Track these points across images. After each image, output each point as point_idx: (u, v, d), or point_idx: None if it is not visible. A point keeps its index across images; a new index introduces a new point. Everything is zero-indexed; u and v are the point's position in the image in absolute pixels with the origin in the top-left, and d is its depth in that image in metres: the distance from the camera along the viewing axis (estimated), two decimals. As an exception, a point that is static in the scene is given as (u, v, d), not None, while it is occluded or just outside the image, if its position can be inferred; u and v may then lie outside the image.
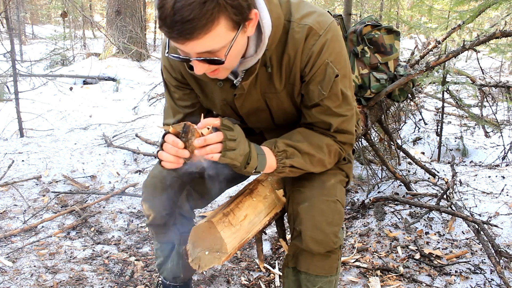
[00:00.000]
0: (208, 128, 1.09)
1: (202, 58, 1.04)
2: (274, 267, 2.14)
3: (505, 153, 3.52)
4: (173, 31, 0.96)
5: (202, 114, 1.14)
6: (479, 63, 3.05)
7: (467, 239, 2.30)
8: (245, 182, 1.67)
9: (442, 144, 3.70)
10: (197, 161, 1.10)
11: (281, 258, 2.23)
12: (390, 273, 2.04)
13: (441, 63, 2.48)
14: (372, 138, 2.83)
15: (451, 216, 2.43)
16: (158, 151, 1.12)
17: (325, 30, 1.17)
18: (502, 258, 1.97)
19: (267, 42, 1.15)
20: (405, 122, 3.76)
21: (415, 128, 4.21)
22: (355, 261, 2.15)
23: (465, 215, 2.18)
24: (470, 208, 2.57)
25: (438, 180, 2.98)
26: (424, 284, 1.96)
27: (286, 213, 1.47)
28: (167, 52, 1.10)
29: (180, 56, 1.07)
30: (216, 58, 1.04)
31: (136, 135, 4.03)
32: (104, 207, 2.78)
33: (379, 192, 2.92)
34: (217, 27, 0.97)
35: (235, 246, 1.33)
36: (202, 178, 1.51)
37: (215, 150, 1.08)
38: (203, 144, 1.07)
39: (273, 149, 1.23)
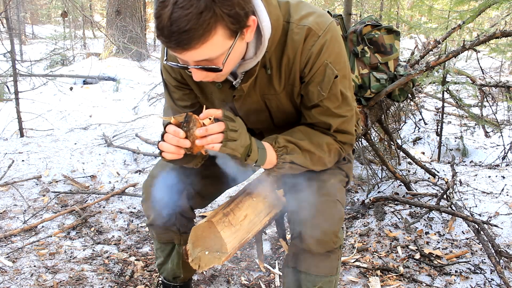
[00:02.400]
0: (210, 119, 1.09)
1: (200, 67, 1.04)
2: (274, 267, 2.14)
3: (505, 153, 3.52)
4: (171, 41, 0.96)
5: (204, 106, 1.14)
6: (479, 63, 3.05)
7: (467, 239, 2.30)
8: (245, 182, 1.67)
9: (442, 144, 3.69)
10: (197, 152, 1.10)
11: (281, 258, 2.23)
12: (390, 273, 2.05)
13: (441, 63, 2.48)
14: (372, 138, 2.83)
15: (451, 216, 2.43)
16: (159, 142, 1.12)
17: (324, 31, 1.17)
18: (502, 258, 1.97)
19: (267, 44, 1.15)
20: (405, 122, 3.76)
21: (415, 128, 4.21)
22: (355, 261, 2.15)
23: (465, 215, 2.18)
24: (470, 208, 2.57)
25: (438, 180, 2.98)
26: (424, 284, 1.96)
27: (286, 213, 1.47)
28: (165, 60, 1.11)
29: (178, 64, 1.08)
30: (214, 66, 1.04)
31: (136, 135, 4.03)
32: (104, 207, 2.78)
33: (379, 192, 2.92)
34: (214, 36, 0.97)
35: (235, 246, 1.33)
36: (202, 178, 1.51)
37: (216, 140, 1.08)
38: (204, 134, 1.06)
39: (274, 144, 1.23)
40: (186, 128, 1.07)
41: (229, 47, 1.03)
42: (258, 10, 1.11)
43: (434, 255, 2.16)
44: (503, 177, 2.99)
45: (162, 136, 1.11)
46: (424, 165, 3.12)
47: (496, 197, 2.69)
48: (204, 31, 0.95)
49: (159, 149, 1.12)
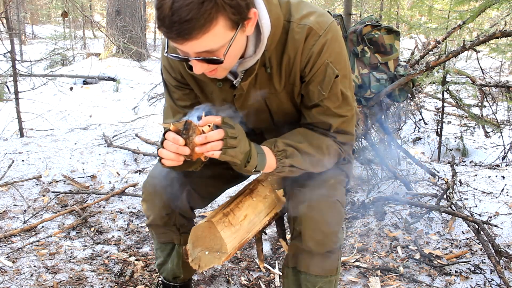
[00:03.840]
0: (209, 126, 1.09)
1: (201, 58, 1.04)
2: (274, 267, 2.14)
3: (505, 153, 3.52)
4: (172, 31, 0.96)
5: (204, 112, 1.15)
6: (479, 63, 3.05)
7: (467, 239, 2.30)
8: (245, 182, 1.67)
9: (442, 144, 3.69)
10: (196, 158, 1.10)
11: (281, 258, 2.23)
12: (390, 273, 2.05)
13: (441, 63, 2.48)
14: (372, 138, 2.83)
15: (451, 216, 2.43)
16: (158, 149, 1.12)
17: (325, 30, 1.17)
18: (502, 258, 1.97)
19: (266, 42, 1.15)
20: (405, 122, 3.76)
21: (415, 128, 4.21)
22: (355, 261, 2.15)
23: (465, 215, 2.18)
24: (470, 208, 2.57)
25: (438, 180, 2.98)
26: (424, 284, 1.96)
27: (286, 213, 1.46)
28: (166, 52, 1.11)
29: (179, 56, 1.07)
30: (215, 57, 1.04)
31: (136, 135, 4.03)
32: (104, 207, 2.78)
33: (379, 192, 2.92)
34: (216, 27, 0.97)
35: (235, 246, 1.34)
36: (202, 178, 1.51)
37: (216, 148, 1.08)
38: (204, 141, 1.06)
39: (273, 148, 1.23)
40: (186, 135, 1.07)
41: (230, 39, 1.02)
42: (258, 8, 1.11)
43: (434, 255, 2.16)
44: (503, 177, 2.99)
45: (162, 142, 1.11)
46: (424, 165, 3.12)
47: (496, 197, 2.69)
48: (205, 21, 0.95)
49: (158, 155, 1.12)
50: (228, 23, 0.99)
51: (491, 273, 2.00)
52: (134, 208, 2.80)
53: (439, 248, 2.24)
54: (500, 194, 2.73)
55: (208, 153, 1.08)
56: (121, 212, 2.72)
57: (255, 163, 1.17)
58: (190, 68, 1.14)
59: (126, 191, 2.98)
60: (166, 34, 0.99)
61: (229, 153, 1.10)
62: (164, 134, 1.11)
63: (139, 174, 3.32)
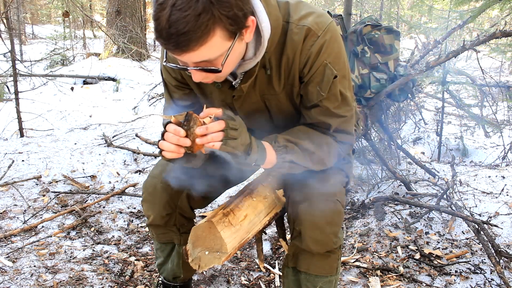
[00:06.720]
0: (210, 117, 1.09)
1: (199, 68, 1.04)
2: (274, 267, 2.14)
3: (505, 153, 3.52)
4: (169, 43, 0.96)
5: (205, 105, 1.14)
6: (479, 63, 3.05)
7: (467, 239, 2.30)
8: (245, 182, 1.67)
9: (442, 144, 3.70)
10: (197, 151, 1.10)
11: (281, 258, 2.23)
12: (390, 273, 2.05)
13: (441, 63, 2.48)
14: (372, 138, 2.83)
15: (451, 216, 2.43)
16: (159, 141, 1.12)
17: (324, 31, 1.16)
18: (502, 258, 1.97)
19: (266, 44, 1.15)
20: (405, 122, 3.76)
21: (415, 128, 4.21)
22: (355, 261, 2.15)
23: (465, 215, 2.18)
24: (470, 208, 2.58)
25: (438, 180, 2.98)
26: (424, 284, 1.96)
27: (286, 213, 1.47)
28: (165, 61, 1.11)
29: (178, 66, 1.08)
30: (213, 67, 1.04)
31: (136, 135, 4.03)
32: (104, 207, 2.78)
33: (379, 192, 2.92)
34: (213, 38, 0.97)
35: (235, 246, 1.33)
36: (202, 178, 1.51)
37: (217, 139, 1.08)
38: (204, 132, 1.06)
39: (273, 144, 1.23)
40: (187, 126, 1.07)
41: (228, 48, 1.02)
42: (257, 11, 1.11)
43: (434, 255, 2.16)
44: (503, 177, 2.99)
45: (163, 135, 1.11)
46: (424, 165, 3.12)
47: (496, 197, 2.69)
48: (202, 33, 0.95)
49: (159, 148, 1.12)
50: (226, 33, 0.99)
51: (491, 273, 2.00)
52: (134, 208, 2.80)
53: (439, 248, 2.24)
54: (500, 194, 2.73)
55: (208, 144, 1.08)
56: (121, 212, 2.72)
57: (255, 156, 1.17)
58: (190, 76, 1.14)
59: (126, 191, 2.98)
60: (164, 46, 0.99)
61: (230, 144, 1.10)
62: (165, 127, 1.11)
63: (139, 174, 3.32)
